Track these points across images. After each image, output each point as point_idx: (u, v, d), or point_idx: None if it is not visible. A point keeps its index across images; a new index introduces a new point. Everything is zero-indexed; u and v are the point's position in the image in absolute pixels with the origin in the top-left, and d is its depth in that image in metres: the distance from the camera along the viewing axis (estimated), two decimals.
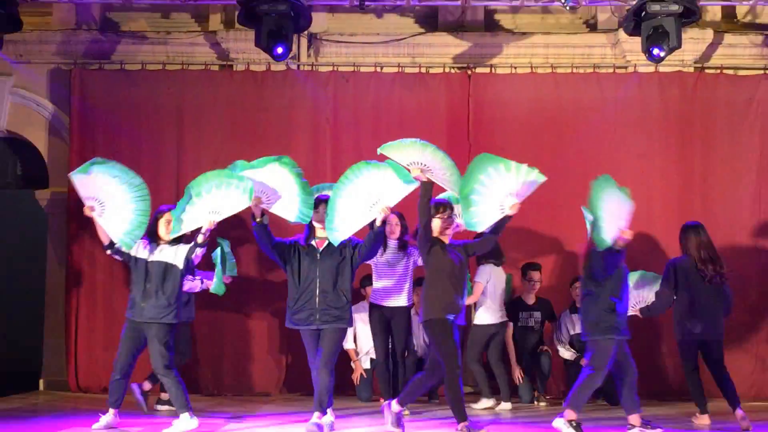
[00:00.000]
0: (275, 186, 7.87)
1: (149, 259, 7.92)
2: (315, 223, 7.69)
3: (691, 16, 10.16)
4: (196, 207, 7.79)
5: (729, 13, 11.47)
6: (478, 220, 7.74)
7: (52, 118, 11.46)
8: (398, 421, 7.48)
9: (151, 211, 8.09)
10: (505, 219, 7.68)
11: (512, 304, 10.30)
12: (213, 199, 7.77)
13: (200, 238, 7.79)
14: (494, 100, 11.24)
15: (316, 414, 7.48)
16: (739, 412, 8.04)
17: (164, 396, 9.08)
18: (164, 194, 10.50)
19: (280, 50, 10.11)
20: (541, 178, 7.84)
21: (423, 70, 11.37)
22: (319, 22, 11.33)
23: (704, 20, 11.04)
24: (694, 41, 11.00)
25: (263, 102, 11.18)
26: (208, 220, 7.69)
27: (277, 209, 7.91)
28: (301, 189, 7.84)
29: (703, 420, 8.54)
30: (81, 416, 8.05)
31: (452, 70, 11.41)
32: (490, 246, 8.21)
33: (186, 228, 7.85)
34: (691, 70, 11.22)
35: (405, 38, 11.44)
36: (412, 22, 11.63)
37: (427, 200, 7.47)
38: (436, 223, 7.54)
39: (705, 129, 11.12)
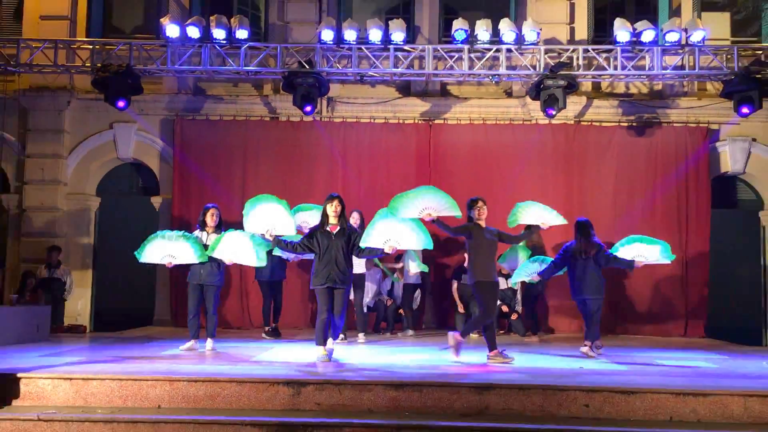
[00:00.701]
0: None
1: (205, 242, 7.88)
2: (330, 213, 7.07)
3: (572, 88, 10.29)
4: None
5: (596, 85, 11.48)
6: None
7: (162, 150, 11.55)
8: (458, 347, 7.15)
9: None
10: (535, 228, 7.44)
11: None
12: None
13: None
14: (446, 142, 11.25)
15: (330, 340, 7.39)
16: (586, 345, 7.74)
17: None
18: (234, 209, 10.60)
19: (308, 108, 10.21)
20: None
21: (401, 121, 11.39)
22: (335, 89, 11.36)
23: (580, 90, 11.06)
24: (574, 104, 11.06)
25: (298, 142, 11.20)
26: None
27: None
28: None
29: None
30: (179, 341, 8.15)
31: (419, 122, 11.39)
32: (517, 242, 7.84)
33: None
34: (572, 122, 11.27)
35: (389, 101, 11.47)
36: (394, 90, 11.62)
37: (448, 231, 7.31)
38: (474, 213, 7.21)
39: (581, 162, 11.16)
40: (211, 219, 8.00)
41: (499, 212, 10.12)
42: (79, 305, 11.41)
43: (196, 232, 8.02)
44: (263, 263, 8.16)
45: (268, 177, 11.08)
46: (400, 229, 7.07)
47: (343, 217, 7.16)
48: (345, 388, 5.57)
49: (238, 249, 7.81)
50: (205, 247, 7.85)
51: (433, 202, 7.20)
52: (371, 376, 5.96)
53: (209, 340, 7.88)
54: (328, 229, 7.12)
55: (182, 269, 8.23)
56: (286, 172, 11.10)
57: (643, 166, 11.12)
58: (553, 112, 10.13)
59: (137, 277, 11.50)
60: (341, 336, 8.61)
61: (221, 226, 8.07)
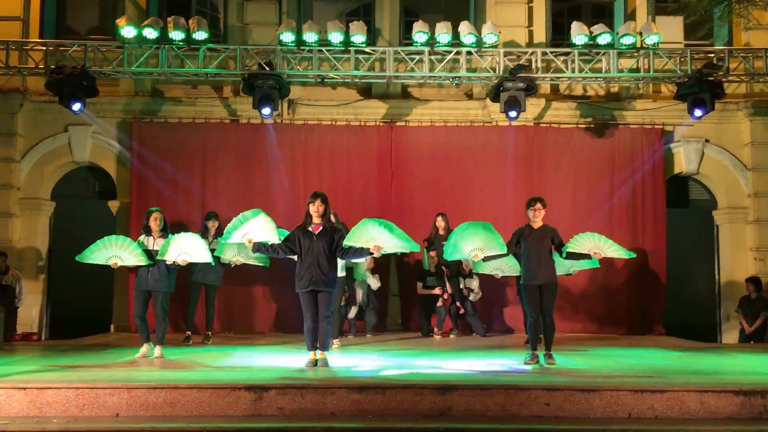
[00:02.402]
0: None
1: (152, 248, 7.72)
2: (312, 213, 6.84)
3: (531, 90, 10.37)
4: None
5: (555, 87, 11.59)
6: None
7: (119, 153, 11.31)
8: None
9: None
10: (586, 256, 7.26)
11: None
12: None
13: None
14: (408, 144, 11.25)
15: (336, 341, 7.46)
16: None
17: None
18: (194, 213, 10.70)
19: (266, 111, 10.11)
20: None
21: (362, 123, 11.34)
22: (296, 92, 11.28)
23: (539, 92, 11.11)
24: (533, 106, 11.15)
25: (258, 145, 11.06)
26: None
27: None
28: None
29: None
30: (138, 347, 7.98)
31: (381, 124, 11.36)
32: (568, 257, 7.42)
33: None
34: (531, 124, 11.35)
35: (350, 103, 11.41)
36: (355, 92, 11.55)
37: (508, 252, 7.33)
38: (529, 213, 7.20)
39: (540, 161, 11.26)
40: (154, 223, 7.78)
41: (458, 213, 10.29)
42: (33, 312, 11.11)
43: (142, 238, 7.83)
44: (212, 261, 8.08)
45: (228, 180, 10.98)
46: (386, 234, 6.89)
47: (326, 216, 6.96)
48: (307, 392, 5.53)
49: (189, 248, 7.66)
50: (152, 252, 7.66)
51: (479, 242, 7.25)
52: (334, 379, 5.93)
53: (158, 347, 7.66)
54: (310, 229, 6.88)
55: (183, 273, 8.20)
56: (247, 175, 10.99)
57: (601, 166, 11.28)
58: (515, 114, 10.20)
59: (94, 284, 11.27)
60: (335, 343, 8.37)
61: (166, 229, 7.89)
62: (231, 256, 8.90)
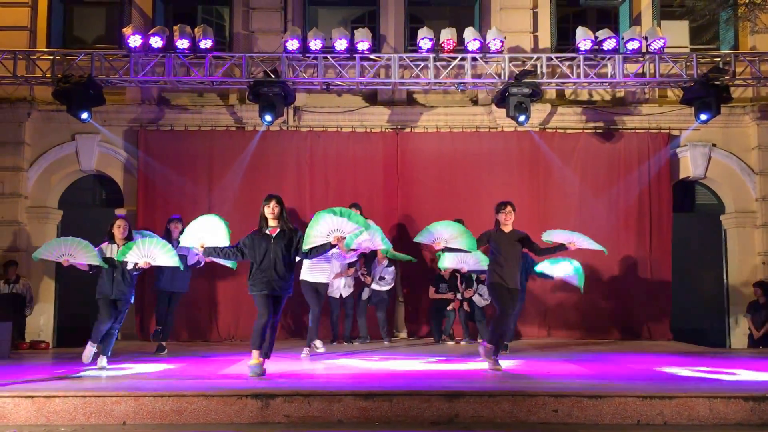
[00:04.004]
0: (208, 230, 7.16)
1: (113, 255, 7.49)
2: (268, 215, 6.69)
3: (536, 95, 10.40)
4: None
5: (560, 93, 11.61)
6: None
7: (125, 161, 11.37)
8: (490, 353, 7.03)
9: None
10: (560, 247, 7.28)
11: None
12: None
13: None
14: (413, 150, 11.26)
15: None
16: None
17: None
18: (200, 215, 10.58)
19: (268, 118, 10.14)
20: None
21: (368, 130, 11.35)
22: (301, 99, 11.33)
23: (545, 98, 11.19)
24: (538, 111, 11.19)
25: (264, 152, 11.09)
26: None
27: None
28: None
29: None
30: (145, 355, 7.99)
31: (386, 130, 11.38)
32: (540, 254, 7.44)
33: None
34: (537, 129, 11.33)
35: (356, 109, 11.43)
36: (361, 99, 11.58)
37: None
38: (500, 217, 7.18)
39: (546, 166, 11.24)
40: (118, 230, 7.53)
41: (465, 219, 10.25)
42: (41, 321, 11.16)
43: (103, 245, 7.55)
44: (180, 264, 7.78)
45: (234, 187, 11.00)
46: (344, 221, 6.73)
47: (282, 218, 6.74)
48: (314, 400, 5.51)
49: (153, 252, 7.43)
50: (113, 260, 7.44)
51: (446, 233, 7.29)
52: (341, 386, 5.91)
53: (104, 357, 7.35)
54: (267, 232, 6.69)
55: (151, 280, 8.06)
56: (253, 182, 10.99)
57: (607, 172, 11.26)
58: (524, 119, 10.21)
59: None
60: (305, 351, 8.37)
61: (131, 238, 7.62)
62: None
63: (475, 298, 10.01)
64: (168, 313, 9.13)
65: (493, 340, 7.07)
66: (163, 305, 9.12)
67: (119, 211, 11.28)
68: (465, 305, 10.07)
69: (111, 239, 7.59)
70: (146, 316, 10.70)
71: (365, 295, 10.07)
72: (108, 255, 7.50)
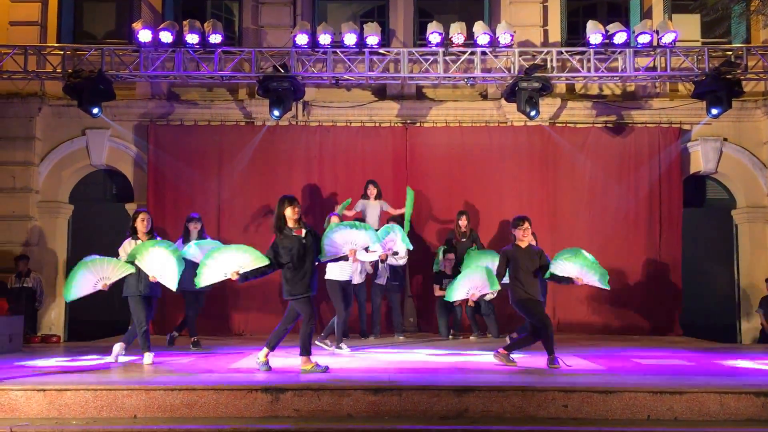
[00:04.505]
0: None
1: None
2: (291, 217, 6.50)
3: (546, 89, 10.33)
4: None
5: (570, 87, 11.56)
6: None
7: (136, 156, 11.43)
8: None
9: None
10: (568, 280, 7.04)
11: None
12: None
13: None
14: (422, 144, 11.24)
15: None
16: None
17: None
18: (210, 215, 10.63)
19: (277, 113, 10.14)
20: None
21: (377, 124, 11.36)
22: (310, 93, 11.34)
23: (555, 92, 11.10)
24: (548, 105, 11.15)
25: (274, 146, 11.10)
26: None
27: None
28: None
29: None
30: (156, 349, 7.95)
31: (395, 125, 11.37)
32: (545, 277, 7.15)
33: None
34: (547, 124, 11.29)
35: (365, 104, 11.44)
36: (370, 94, 11.58)
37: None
38: (517, 233, 7.04)
39: (555, 161, 11.20)
40: (141, 224, 7.33)
41: (474, 213, 10.31)
42: (53, 315, 11.25)
43: (127, 242, 7.35)
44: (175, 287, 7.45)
45: (244, 182, 11.03)
46: (354, 232, 6.81)
47: (301, 219, 6.66)
48: (324, 394, 5.52)
49: (164, 267, 7.23)
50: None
51: (475, 282, 7.36)
52: (350, 380, 5.92)
53: (150, 354, 7.29)
54: (294, 234, 6.52)
55: None
56: (262, 177, 11.03)
57: (617, 166, 11.21)
58: (535, 114, 10.18)
59: (112, 286, 11.30)
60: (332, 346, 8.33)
61: (153, 232, 7.49)
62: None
63: None
64: (196, 313, 8.87)
65: (549, 349, 6.95)
66: (193, 306, 8.81)
67: (129, 207, 11.36)
68: (470, 300, 9.98)
69: (134, 234, 7.38)
70: (157, 313, 10.66)
71: (381, 279, 9.89)
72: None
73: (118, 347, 7.52)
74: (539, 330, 6.97)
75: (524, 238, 7.08)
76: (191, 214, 9.06)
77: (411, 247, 8.28)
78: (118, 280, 7.23)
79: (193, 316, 8.78)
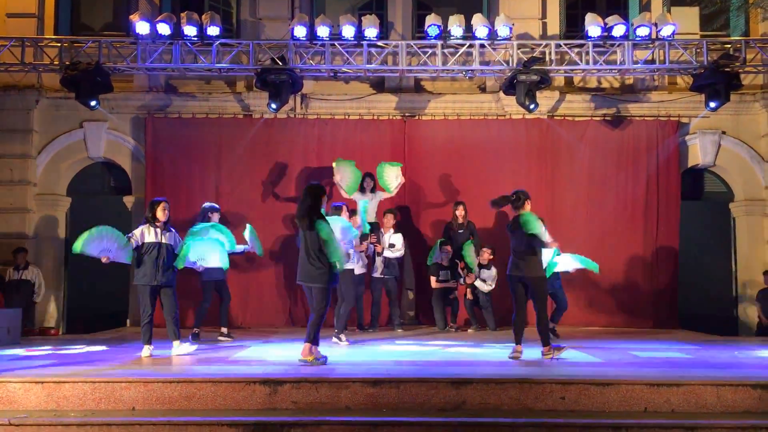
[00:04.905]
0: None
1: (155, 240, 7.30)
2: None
3: (545, 82, 10.31)
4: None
5: (569, 80, 11.53)
6: None
7: (133, 149, 11.40)
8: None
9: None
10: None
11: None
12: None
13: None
14: (421, 137, 11.21)
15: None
16: None
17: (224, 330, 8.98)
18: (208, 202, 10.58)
19: (274, 106, 10.15)
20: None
21: (375, 117, 11.32)
22: (308, 86, 11.30)
23: (553, 85, 11.09)
24: (546, 98, 11.12)
25: (272, 139, 11.08)
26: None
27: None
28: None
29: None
30: (155, 341, 7.97)
31: (394, 118, 11.35)
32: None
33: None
34: (545, 117, 11.25)
35: (363, 97, 11.41)
36: (368, 86, 11.54)
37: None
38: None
39: (554, 154, 11.18)
40: (162, 213, 7.31)
41: (472, 206, 10.29)
42: (50, 307, 11.24)
43: (141, 227, 7.32)
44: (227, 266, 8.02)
45: (242, 175, 11.01)
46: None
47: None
48: (322, 386, 5.53)
49: (207, 254, 7.78)
50: (155, 244, 7.24)
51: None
52: (348, 373, 5.93)
53: (179, 342, 7.42)
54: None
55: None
56: (261, 169, 11.01)
57: (615, 159, 11.19)
58: (533, 106, 10.18)
59: (110, 278, 11.32)
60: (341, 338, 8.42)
61: (168, 223, 7.49)
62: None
63: (478, 284, 9.94)
64: (221, 304, 9.05)
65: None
66: (215, 295, 8.96)
67: (127, 199, 11.38)
68: (468, 292, 10.04)
69: (153, 222, 7.31)
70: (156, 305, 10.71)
71: (377, 271, 9.92)
72: (149, 239, 7.25)
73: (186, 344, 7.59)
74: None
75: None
76: (213, 205, 9.11)
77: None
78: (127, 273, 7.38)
79: (206, 309, 8.97)
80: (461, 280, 10.09)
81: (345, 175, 10.31)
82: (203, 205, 9.10)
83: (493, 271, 9.94)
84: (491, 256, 9.93)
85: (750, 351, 7.89)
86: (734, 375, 5.90)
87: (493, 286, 9.97)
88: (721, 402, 5.45)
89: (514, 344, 7.07)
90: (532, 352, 7.13)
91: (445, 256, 10.05)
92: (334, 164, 10.34)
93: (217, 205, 9.20)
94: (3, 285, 10.31)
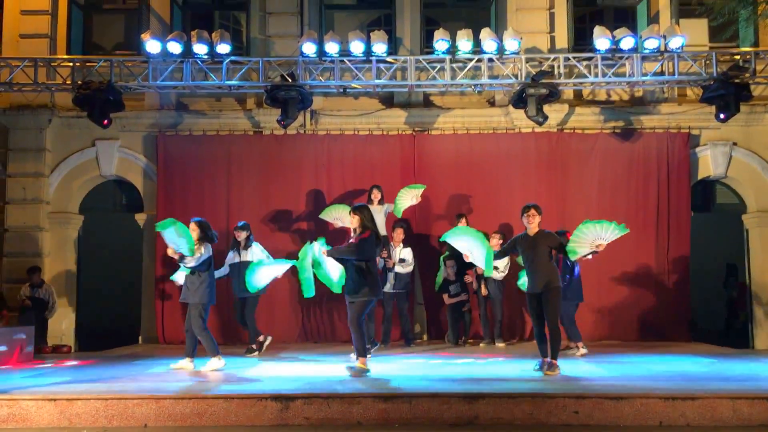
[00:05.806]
0: None
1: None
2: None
3: (553, 96, 10.30)
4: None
5: (578, 93, 11.51)
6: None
7: (145, 166, 11.47)
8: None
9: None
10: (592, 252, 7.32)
11: None
12: None
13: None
14: (430, 152, 11.21)
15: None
16: None
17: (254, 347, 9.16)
18: (219, 224, 10.54)
19: (284, 122, 10.20)
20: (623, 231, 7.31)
21: (384, 132, 11.34)
22: (318, 102, 11.36)
23: (562, 98, 11.08)
24: (556, 111, 11.07)
25: (282, 155, 11.13)
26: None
27: None
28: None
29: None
30: (166, 358, 8.07)
31: (403, 133, 11.35)
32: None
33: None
34: (555, 130, 11.24)
35: (372, 112, 11.44)
36: (377, 102, 11.57)
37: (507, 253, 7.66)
38: (524, 220, 7.18)
39: (563, 167, 11.14)
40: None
41: (482, 221, 10.26)
42: (63, 325, 11.27)
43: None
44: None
45: (253, 191, 11.06)
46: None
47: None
48: (333, 402, 5.52)
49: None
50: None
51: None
52: (360, 388, 5.91)
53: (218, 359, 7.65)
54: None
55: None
56: (271, 185, 11.06)
57: (626, 172, 11.14)
58: (542, 120, 10.17)
59: (122, 295, 11.40)
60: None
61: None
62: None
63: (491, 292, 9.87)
64: (244, 318, 9.30)
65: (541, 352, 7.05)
66: (240, 311, 9.34)
67: (139, 217, 11.43)
68: (483, 287, 9.91)
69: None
70: (168, 322, 10.82)
71: (388, 285, 9.85)
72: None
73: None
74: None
75: (530, 225, 7.16)
76: (238, 222, 9.50)
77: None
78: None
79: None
80: (476, 290, 10.01)
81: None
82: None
83: (506, 259, 9.73)
84: (501, 241, 9.63)
85: (765, 363, 7.80)
86: (750, 388, 5.84)
87: (506, 272, 9.88)
88: (737, 415, 5.39)
89: (540, 358, 7.10)
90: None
91: (451, 270, 10.00)
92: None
93: (241, 222, 9.53)
94: (20, 303, 10.38)
